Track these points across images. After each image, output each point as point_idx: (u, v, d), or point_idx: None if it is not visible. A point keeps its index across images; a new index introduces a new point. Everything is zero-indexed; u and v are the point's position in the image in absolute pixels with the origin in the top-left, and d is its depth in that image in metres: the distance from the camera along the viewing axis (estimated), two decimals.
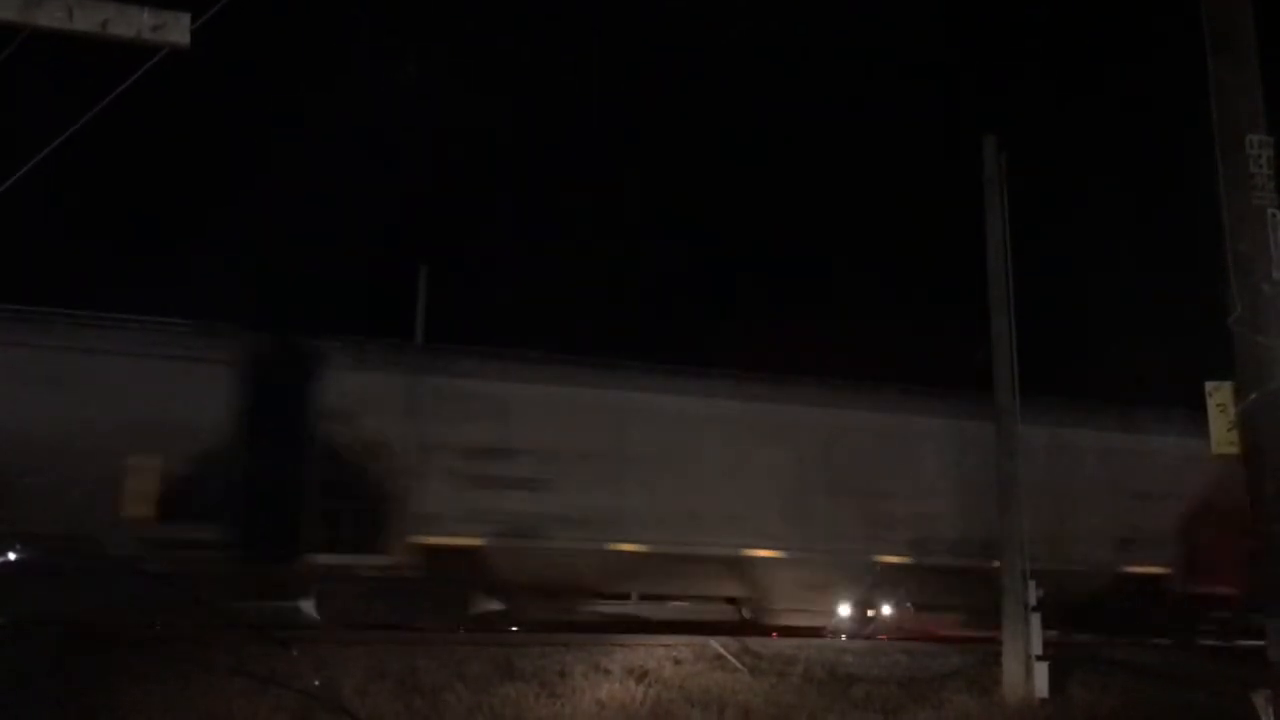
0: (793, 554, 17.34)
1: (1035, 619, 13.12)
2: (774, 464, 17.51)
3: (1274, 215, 7.44)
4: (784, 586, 17.53)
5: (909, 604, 17.98)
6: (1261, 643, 7.18)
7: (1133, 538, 19.13)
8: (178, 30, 4.96)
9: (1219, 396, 7.58)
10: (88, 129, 5.43)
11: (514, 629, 16.26)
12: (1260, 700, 7.04)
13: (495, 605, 16.87)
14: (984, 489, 14.83)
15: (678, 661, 13.49)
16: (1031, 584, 13.24)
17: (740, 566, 17.36)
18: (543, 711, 11.42)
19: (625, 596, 18.15)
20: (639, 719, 11.50)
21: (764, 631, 16.71)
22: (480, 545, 16.24)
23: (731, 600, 18.28)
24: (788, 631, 16.95)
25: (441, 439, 16.43)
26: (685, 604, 18.79)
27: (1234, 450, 7.47)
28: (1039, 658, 13.01)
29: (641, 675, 12.72)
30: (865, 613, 17.93)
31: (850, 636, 17.15)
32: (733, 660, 13.75)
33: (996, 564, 13.83)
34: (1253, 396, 7.30)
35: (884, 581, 17.89)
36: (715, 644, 14.28)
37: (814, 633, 17.14)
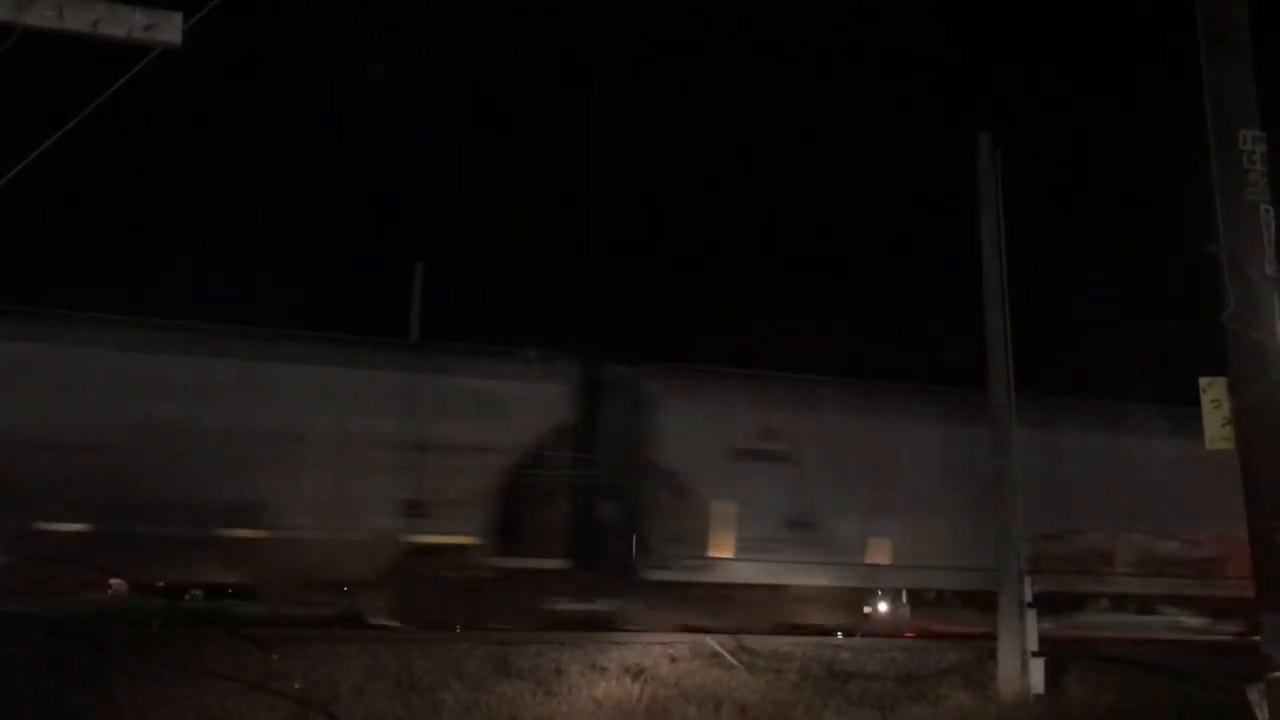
0: None
1: (1031, 615, 13.13)
2: None
3: (1267, 210, 7.47)
4: None
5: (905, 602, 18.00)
6: (1256, 637, 7.21)
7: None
8: (169, 30, 4.94)
9: (1213, 392, 7.60)
10: (82, 128, 5.41)
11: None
12: (1255, 695, 7.06)
13: None
14: None
15: (674, 659, 13.49)
16: (1027, 580, 13.27)
17: None
18: (539, 710, 11.43)
19: None
20: (635, 717, 11.51)
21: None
22: None
23: None
24: (786, 629, 16.97)
25: None
26: None
27: (1228, 446, 7.50)
28: (1035, 653, 13.02)
29: (638, 673, 12.72)
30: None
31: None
32: (729, 658, 13.76)
33: None
34: (1248, 392, 7.32)
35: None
36: (712, 641, 14.29)
37: (813, 630, 17.15)
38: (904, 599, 18.06)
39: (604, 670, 12.76)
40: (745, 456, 17.19)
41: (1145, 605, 19.16)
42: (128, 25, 4.95)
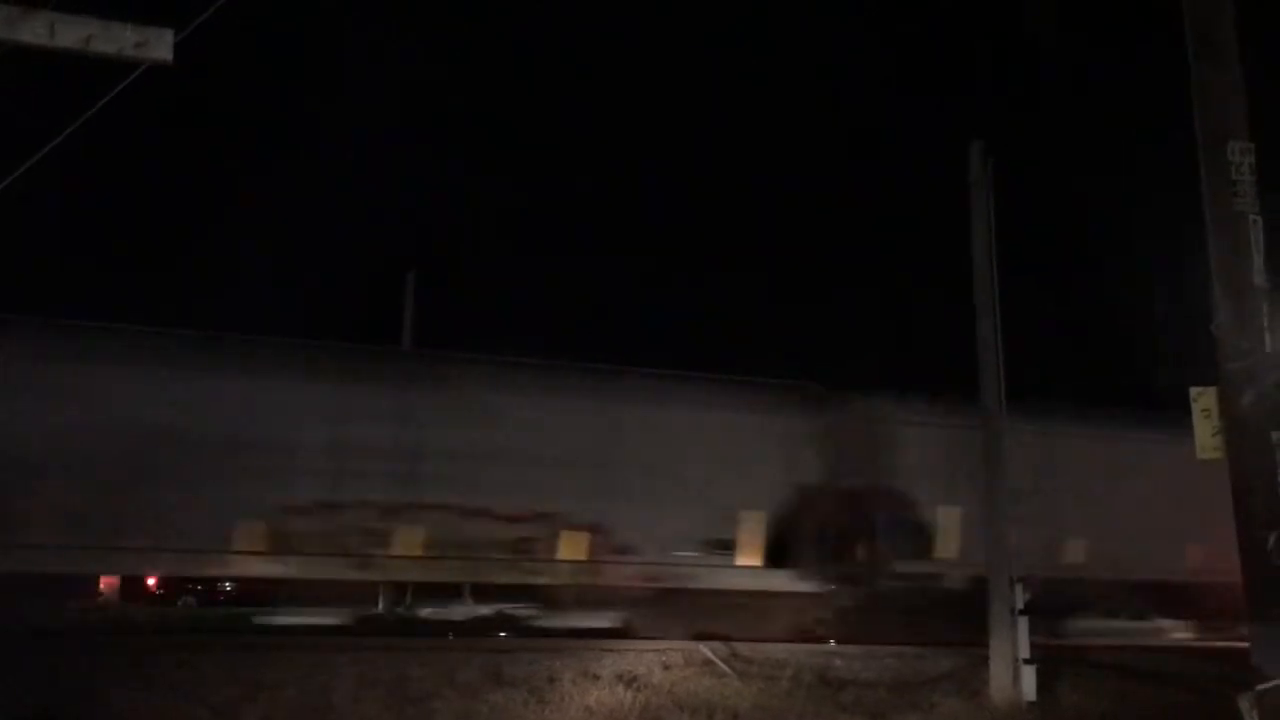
0: None
1: (1022, 623, 13.16)
2: None
3: (1255, 221, 7.50)
4: None
5: None
6: (1245, 644, 7.23)
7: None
8: (161, 47, 4.94)
9: (1203, 401, 7.63)
10: (73, 141, 5.40)
11: (503, 634, 16.26)
12: (1245, 704, 7.07)
13: None
14: None
15: (667, 667, 13.49)
16: (1018, 587, 13.29)
17: None
18: (531, 717, 11.44)
19: None
20: None
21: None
22: None
23: None
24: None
25: None
26: None
27: (1219, 455, 7.52)
28: (1026, 661, 13.05)
29: (631, 681, 12.72)
30: None
31: None
32: (722, 665, 13.76)
33: None
34: (1237, 402, 7.35)
35: None
36: (704, 649, 14.29)
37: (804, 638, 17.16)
38: None
39: (597, 678, 12.76)
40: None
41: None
42: (119, 42, 4.95)
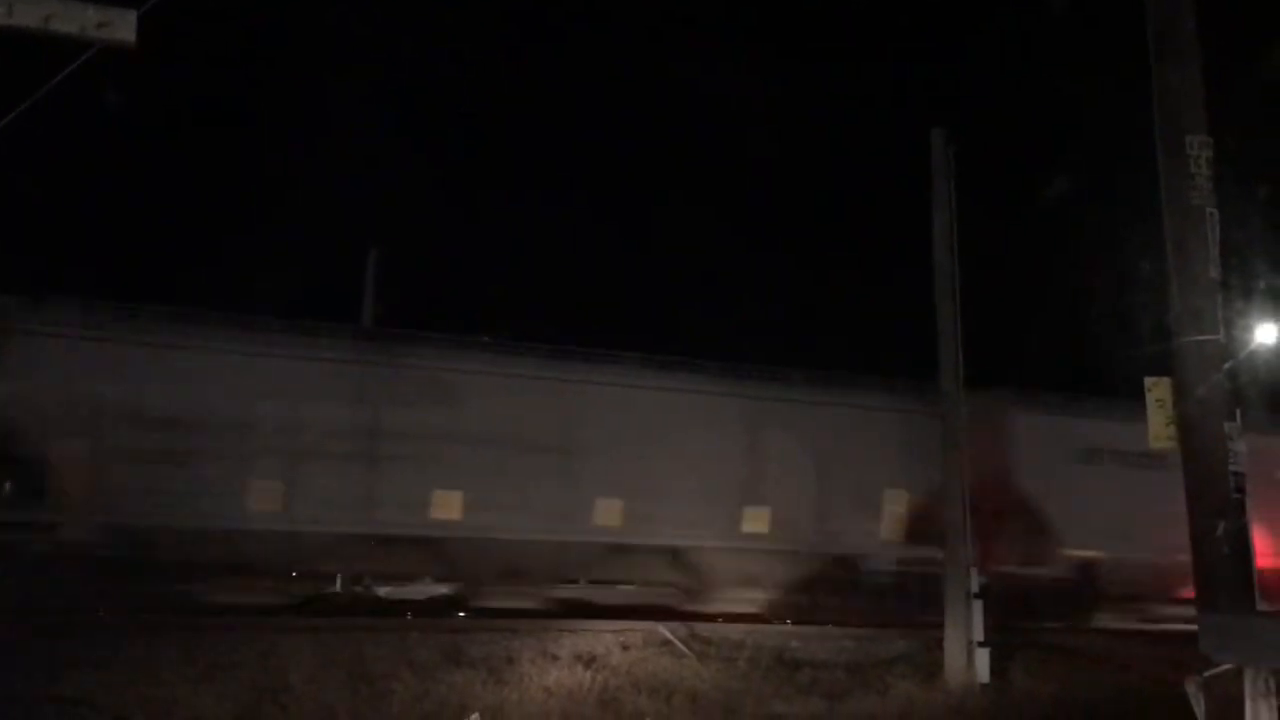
0: None
1: (977, 606, 13.34)
2: None
3: (1212, 214, 7.61)
4: None
5: None
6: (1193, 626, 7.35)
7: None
8: (124, 27, 4.84)
9: (1158, 391, 7.74)
10: (33, 121, 5.30)
11: (462, 615, 16.26)
12: (1192, 687, 7.20)
13: None
14: None
15: (626, 647, 13.55)
16: (973, 571, 13.47)
17: None
18: (490, 699, 11.42)
19: None
20: (587, 706, 11.54)
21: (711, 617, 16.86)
22: None
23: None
24: (735, 617, 17.09)
25: None
26: None
27: (1172, 445, 7.65)
28: (980, 644, 13.24)
29: (590, 661, 12.77)
30: None
31: None
32: (680, 646, 13.84)
33: None
34: (1192, 392, 7.47)
35: None
36: (663, 630, 14.37)
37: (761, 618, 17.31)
38: None
39: (556, 658, 12.79)
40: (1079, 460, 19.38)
41: None
42: (80, 22, 4.84)
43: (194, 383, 15.42)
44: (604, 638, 13.86)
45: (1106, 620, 19.02)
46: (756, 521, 17.93)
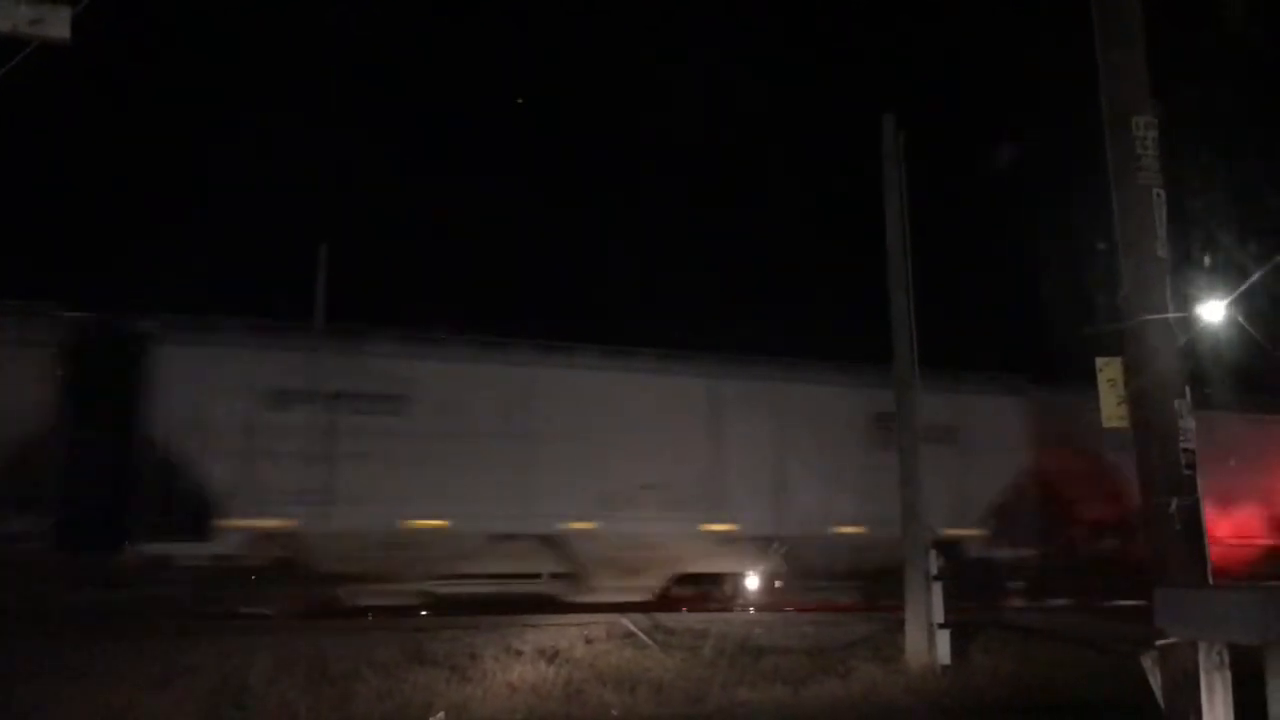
0: None
1: (937, 588, 13.45)
2: None
3: (1159, 194, 7.67)
4: None
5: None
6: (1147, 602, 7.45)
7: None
8: (57, 24, 4.70)
9: (1109, 372, 7.81)
10: None
11: (424, 612, 16.16)
12: (1148, 661, 7.29)
13: None
14: None
15: (589, 640, 13.55)
16: (932, 553, 13.58)
17: None
18: (454, 696, 11.38)
19: None
20: (552, 700, 11.54)
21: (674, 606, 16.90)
22: None
23: None
24: (699, 605, 17.15)
25: None
26: None
27: (1124, 424, 7.72)
28: (941, 625, 13.35)
29: (553, 655, 12.75)
30: None
31: None
32: (643, 637, 13.86)
33: None
34: (1142, 372, 7.54)
35: None
36: (626, 621, 14.38)
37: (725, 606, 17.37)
38: None
39: (519, 654, 12.76)
40: None
41: None
42: (12, 19, 4.70)
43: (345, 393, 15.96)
44: (567, 631, 13.84)
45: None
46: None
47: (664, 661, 12.98)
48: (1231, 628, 5.95)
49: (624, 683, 12.00)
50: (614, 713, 11.41)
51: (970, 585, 16.82)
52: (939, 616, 13.40)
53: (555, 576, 17.12)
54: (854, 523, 17.93)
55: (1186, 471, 7.36)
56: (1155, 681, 7.15)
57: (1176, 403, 7.45)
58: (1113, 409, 7.76)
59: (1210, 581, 7.31)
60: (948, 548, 16.17)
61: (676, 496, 17.23)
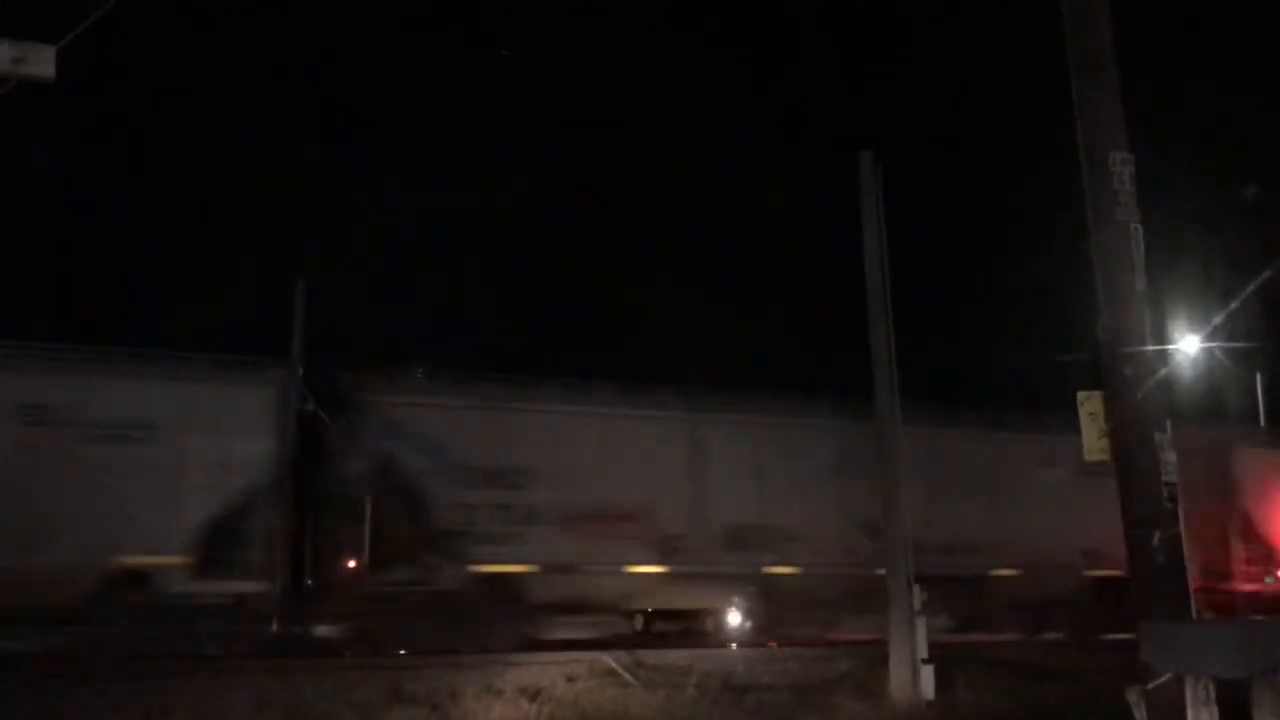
0: None
1: (920, 623, 13.39)
2: None
3: (1136, 229, 7.75)
4: None
5: None
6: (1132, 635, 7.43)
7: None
8: (40, 63, 4.66)
9: (1090, 405, 7.85)
10: None
11: (401, 652, 15.99)
12: (1133, 696, 7.27)
13: None
14: None
15: (570, 679, 13.38)
16: (916, 588, 13.53)
17: None
18: None
19: None
20: None
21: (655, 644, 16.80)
22: None
23: None
24: (680, 642, 17.05)
25: None
26: None
27: (1105, 457, 7.75)
28: (925, 660, 13.29)
29: (534, 694, 12.59)
30: None
31: None
32: (625, 675, 13.71)
33: None
34: (1122, 404, 7.58)
35: None
36: (608, 659, 14.23)
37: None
38: None
39: (500, 693, 12.60)
40: None
41: None
42: None
43: (530, 440, 17.33)
44: (549, 669, 13.68)
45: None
46: None
47: (647, 700, 12.86)
48: (1218, 661, 5.94)
49: None
50: None
51: None
52: (923, 651, 13.34)
53: None
54: None
55: (1168, 504, 7.39)
56: (1141, 716, 7.12)
57: (1157, 435, 7.48)
58: (1094, 442, 7.80)
59: (1194, 614, 7.32)
60: None
61: None
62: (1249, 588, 19.77)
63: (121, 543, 15.08)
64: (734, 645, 17.32)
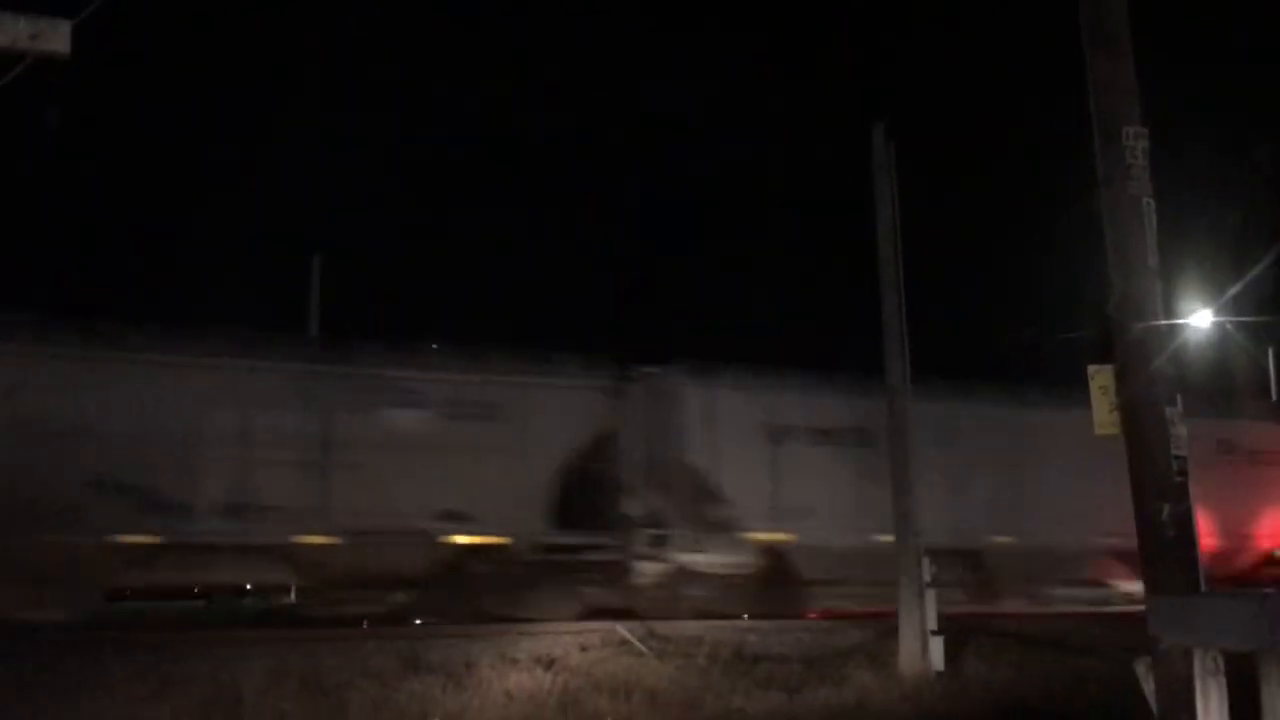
0: None
1: (930, 595, 13.48)
2: None
3: (1149, 204, 7.73)
4: None
5: None
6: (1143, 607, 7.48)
7: None
8: (57, 39, 4.71)
9: (1100, 379, 7.87)
10: None
11: (418, 622, 16.16)
12: (1141, 668, 7.33)
13: None
14: None
15: (584, 648, 13.55)
16: (925, 560, 13.61)
17: None
18: (450, 705, 11.36)
19: None
20: (547, 708, 11.52)
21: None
22: None
23: None
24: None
25: None
26: None
27: (1115, 431, 7.77)
28: (934, 632, 13.38)
29: (549, 663, 12.75)
30: None
31: None
32: (638, 645, 13.86)
33: None
34: (1133, 379, 7.59)
35: None
36: (621, 629, 14.38)
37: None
38: None
39: (515, 662, 12.77)
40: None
41: None
42: (11, 34, 4.71)
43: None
44: (562, 639, 13.85)
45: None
46: None
47: (659, 669, 12.99)
48: (1226, 634, 5.97)
49: (619, 690, 11.99)
50: None
51: None
52: (932, 623, 13.43)
53: None
54: None
55: (1178, 478, 7.41)
56: (1149, 688, 7.18)
57: (1168, 410, 7.49)
58: (1105, 416, 7.81)
59: (1203, 588, 7.36)
60: None
61: None
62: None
63: None
64: (745, 616, 17.43)
